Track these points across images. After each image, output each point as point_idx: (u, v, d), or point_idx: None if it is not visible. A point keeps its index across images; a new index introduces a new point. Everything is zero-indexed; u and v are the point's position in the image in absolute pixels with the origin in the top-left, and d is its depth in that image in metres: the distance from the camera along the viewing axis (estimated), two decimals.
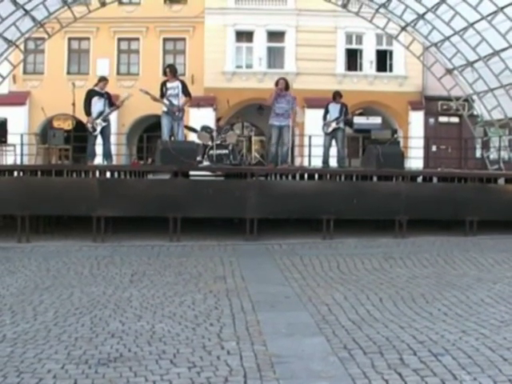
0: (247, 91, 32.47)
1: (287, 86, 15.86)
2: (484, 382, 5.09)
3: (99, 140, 15.83)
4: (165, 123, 15.60)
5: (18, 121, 30.08)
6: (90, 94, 15.54)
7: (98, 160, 16.13)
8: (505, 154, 22.95)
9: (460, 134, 30.85)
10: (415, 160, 25.30)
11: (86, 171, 15.64)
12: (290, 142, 16.20)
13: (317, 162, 18.71)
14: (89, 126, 15.46)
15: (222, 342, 6.16)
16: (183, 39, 35.38)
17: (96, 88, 15.72)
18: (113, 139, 17.74)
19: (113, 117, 17.70)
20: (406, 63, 33.34)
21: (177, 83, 15.59)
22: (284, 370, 5.36)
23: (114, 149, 18.25)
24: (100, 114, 15.47)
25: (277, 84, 15.72)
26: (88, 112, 15.43)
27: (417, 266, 10.55)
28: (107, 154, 15.97)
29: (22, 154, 21.39)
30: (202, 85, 33.29)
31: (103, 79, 15.94)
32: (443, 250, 12.23)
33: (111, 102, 15.94)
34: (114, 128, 20.13)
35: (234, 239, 13.60)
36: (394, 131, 27.57)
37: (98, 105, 15.49)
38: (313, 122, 23.25)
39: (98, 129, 15.48)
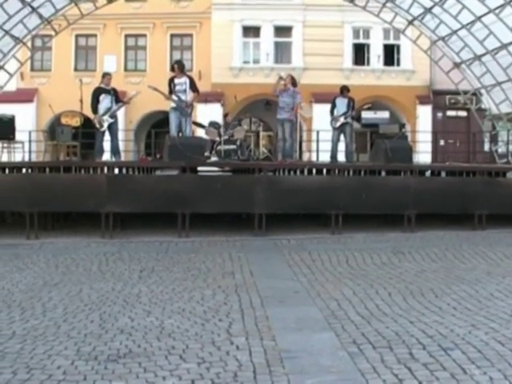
0: (254, 86, 32.41)
1: (294, 83, 16.24)
2: (494, 376, 5.07)
3: (107, 136, 15.84)
4: (173, 119, 15.63)
5: (26, 118, 30.11)
6: (97, 92, 15.56)
7: (106, 156, 16.16)
8: None
9: (468, 128, 30.73)
10: (423, 154, 25.22)
11: (94, 167, 15.69)
12: (293, 137, 16.31)
13: (325, 157, 18.70)
14: (96, 122, 15.49)
15: (231, 338, 6.16)
16: (190, 35, 35.34)
17: (102, 85, 15.74)
18: (121, 135, 17.74)
19: (120, 113, 17.69)
20: (413, 57, 33.18)
21: (184, 79, 15.62)
22: (293, 365, 5.35)
23: (121, 145, 18.26)
24: (107, 110, 15.48)
25: (281, 78, 16.14)
26: (95, 110, 15.46)
27: (425, 261, 10.55)
28: (115, 151, 15.99)
29: (30, 151, 21.42)
30: (210, 80, 33.24)
31: (107, 74, 16.00)
32: (452, 244, 12.23)
33: (118, 98, 15.96)
34: (121, 124, 20.12)
35: (243, 234, 13.64)
36: (402, 125, 27.58)
37: (105, 101, 15.51)
38: (320, 116, 23.21)
39: (105, 125, 15.50)
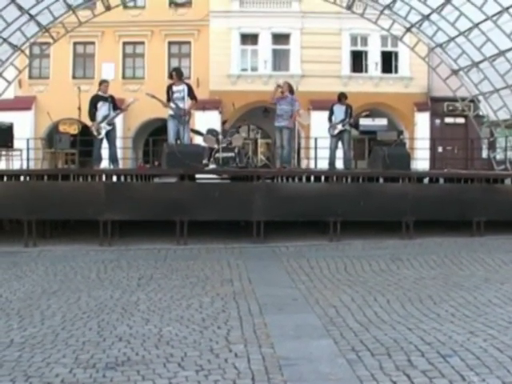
0: (252, 94, 32.44)
1: (291, 90, 16.22)
2: (492, 383, 5.08)
3: (105, 144, 15.83)
4: (171, 127, 15.59)
5: (24, 126, 30.12)
6: (95, 100, 15.57)
7: (105, 164, 16.15)
8: (511, 155, 22.89)
9: (466, 135, 30.75)
10: (421, 161, 25.22)
11: (93, 175, 15.66)
12: (291, 144, 16.28)
13: (323, 164, 18.70)
14: (93, 129, 15.49)
15: (230, 345, 6.15)
16: (188, 42, 35.37)
17: (100, 93, 15.76)
18: (119, 143, 17.75)
19: (118, 121, 17.70)
20: (411, 64, 33.25)
21: (183, 86, 15.59)
22: (292, 372, 5.35)
23: (120, 152, 18.25)
24: (105, 117, 15.50)
25: (279, 85, 16.15)
26: (93, 117, 15.47)
27: (424, 268, 10.54)
28: (113, 158, 15.99)
29: (28, 159, 21.41)
30: (208, 88, 33.28)
31: (104, 82, 16.02)
32: (450, 251, 12.22)
33: (116, 105, 15.95)
34: (119, 132, 20.11)
35: (241, 242, 13.61)
36: (400, 133, 27.52)
37: (102, 109, 15.53)
38: (318, 124, 23.19)
39: (103, 132, 15.51)
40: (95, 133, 15.48)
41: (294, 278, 9.74)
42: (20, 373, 5.40)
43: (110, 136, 15.77)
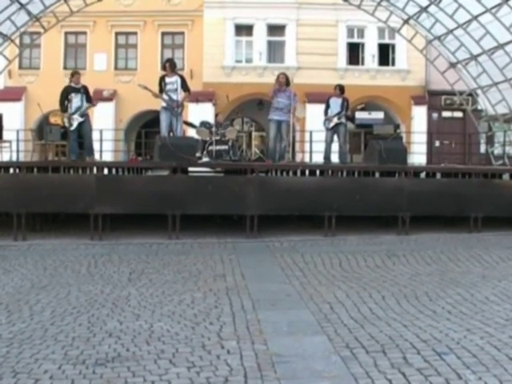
0: (247, 86, 32.38)
1: (288, 82, 15.95)
2: (489, 382, 5.05)
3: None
4: (163, 119, 15.51)
5: (14, 117, 29.99)
6: (67, 91, 15.37)
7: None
8: (509, 149, 22.88)
9: (464, 129, 30.72)
10: (418, 155, 25.21)
11: (84, 168, 15.55)
12: (289, 138, 16.15)
13: (318, 158, 18.62)
14: (65, 121, 15.32)
15: (222, 341, 6.11)
16: (182, 33, 35.19)
17: (71, 84, 15.53)
18: (110, 135, 17.62)
19: (110, 112, 17.55)
20: (408, 57, 33.12)
21: (176, 78, 15.51)
22: (285, 369, 5.32)
23: (111, 145, 18.16)
24: (77, 109, 15.28)
25: (278, 79, 15.88)
26: (64, 109, 15.28)
27: (420, 264, 10.50)
28: (89, 150, 15.83)
29: (17, 151, 21.34)
30: (201, 79, 33.16)
31: (75, 73, 15.74)
32: (447, 247, 12.18)
33: (89, 96, 15.72)
34: (111, 124, 19.95)
35: (234, 236, 13.57)
36: (397, 126, 27.53)
37: (74, 100, 15.28)
38: (314, 117, 23.15)
39: (75, 124, 15.28)
40: (67, 124, 15.32)
41: (287, 273, 9.69)
42: (8, 369, 5.35)
43: (84, 128, 15.55)
